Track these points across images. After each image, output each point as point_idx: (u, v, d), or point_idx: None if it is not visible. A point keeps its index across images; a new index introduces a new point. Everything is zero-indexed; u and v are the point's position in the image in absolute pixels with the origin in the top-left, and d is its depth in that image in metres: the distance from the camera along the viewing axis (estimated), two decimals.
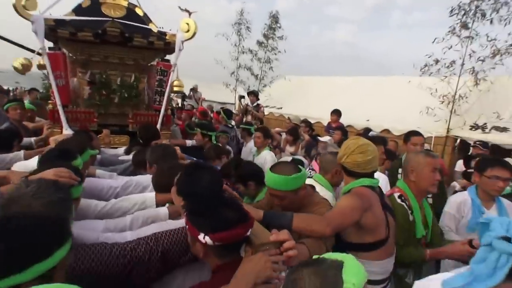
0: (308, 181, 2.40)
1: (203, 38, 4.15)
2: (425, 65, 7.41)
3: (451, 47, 7.09)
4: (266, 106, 9.22)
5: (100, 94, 3.67)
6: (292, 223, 1.58)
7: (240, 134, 5.14)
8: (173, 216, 1.64)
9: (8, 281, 0.83)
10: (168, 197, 1.70)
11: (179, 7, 3.75)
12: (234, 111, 8.21)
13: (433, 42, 7.16)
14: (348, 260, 0.90)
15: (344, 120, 7.24)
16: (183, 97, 10.50)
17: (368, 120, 8.18)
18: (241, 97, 6.89)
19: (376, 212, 1.87)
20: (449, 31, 7.09)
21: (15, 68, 3.20)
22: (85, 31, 3.45)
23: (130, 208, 1.73)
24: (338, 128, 5.93)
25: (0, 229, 0.89)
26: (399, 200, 2.18)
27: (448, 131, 6.97)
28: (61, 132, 3.43)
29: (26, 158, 2.52)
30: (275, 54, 13.61)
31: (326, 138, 5.10)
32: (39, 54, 3.35)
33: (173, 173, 1.64)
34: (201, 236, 1.12)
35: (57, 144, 2.06)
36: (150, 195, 1.77)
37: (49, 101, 3.72)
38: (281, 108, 11.19)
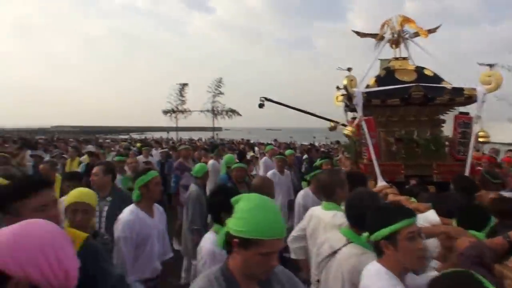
0: None
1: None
2: None
3: None
4: None
5: (406, 148, 4.27)
6: None
7: None
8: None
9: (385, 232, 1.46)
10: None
11: (477, 62, 3.93)
12: None
13: None
14: None
15: None
16: None
17: None
18: None
19: None
20: None
21: (347, 135, 4.32)
22: (394, 97, 4.21)
23: None
24: None
25: None
26: None
27: None
28: (376, 184, 4.12)
29: None
30: None
31: None
32: (358, 126, 4.33)
33: None
34: None
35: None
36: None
37: (364, 157, 4.63)
38: None
